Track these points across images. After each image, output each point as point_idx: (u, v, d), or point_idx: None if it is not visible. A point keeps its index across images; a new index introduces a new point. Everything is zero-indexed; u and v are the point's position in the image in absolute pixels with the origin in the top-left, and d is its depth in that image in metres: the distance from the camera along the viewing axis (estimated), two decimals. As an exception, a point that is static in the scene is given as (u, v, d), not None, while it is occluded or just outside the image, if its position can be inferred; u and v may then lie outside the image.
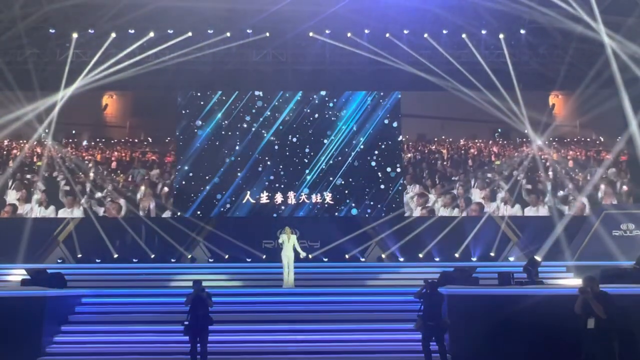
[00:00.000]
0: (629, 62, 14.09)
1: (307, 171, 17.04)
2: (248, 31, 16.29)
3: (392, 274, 13.88)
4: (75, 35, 16.04)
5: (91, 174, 16.94)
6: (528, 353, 8.57)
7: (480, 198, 16.98)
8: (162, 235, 15.99)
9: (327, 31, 16.30)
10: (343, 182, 17.00)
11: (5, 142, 17.01)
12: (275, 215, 16.77)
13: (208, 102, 17.40)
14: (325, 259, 15.71)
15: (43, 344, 9.45)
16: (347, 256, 15.73)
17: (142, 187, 16.93)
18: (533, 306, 8.76)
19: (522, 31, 16.30)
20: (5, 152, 17.09)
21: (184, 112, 17.38)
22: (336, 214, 16.84)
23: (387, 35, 16.44)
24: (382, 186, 17.03)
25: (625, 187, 16.99)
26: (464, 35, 16.41)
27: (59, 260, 15.54)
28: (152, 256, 15.79)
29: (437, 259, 15.71)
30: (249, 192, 16.91)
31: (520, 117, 16.49)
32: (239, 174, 16.97)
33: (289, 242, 12.86)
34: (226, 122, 17.28)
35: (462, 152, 17.60)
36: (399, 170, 17.18)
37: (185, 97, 17.47)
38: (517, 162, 17.11)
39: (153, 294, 11.53)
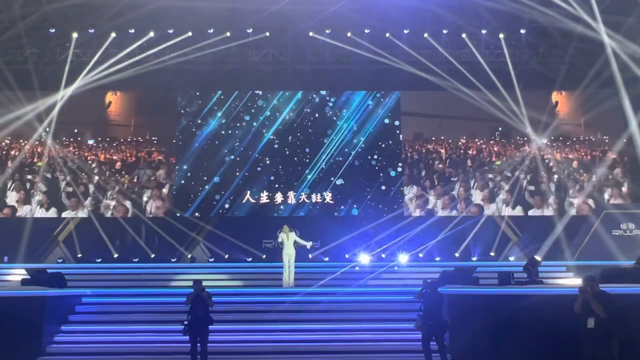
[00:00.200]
0: (629, 62, 14.07)
1: (307, 171, 17.03)
2: (248, 31, 16.28)
3: (393, 274, 13.86)
4: (75, 35, 16.03)
5: (94, 175, 16.74)
6: (528, 353, 8.58)
7: (479, 200, 16.88)
8: (162, 235, 15.98)
9: (327, 31, 16.29)
10: (343, 182, 16.99)
11: (4, 142, 16.86)
12: (275, 215, 16.77)
13: (208, 102, 17.39)
14: (326, 259, 15.70)
15: (43, 343, 9.47)
16: (347, 256, 15.72)
17: (149, 189, 16.70)
18: (533, 306, 8.75)
19: (522, 31, 16.29)
20: (4, 152, 17.02)
21: (183, 111, 17.37)
22: (335, 214, 16.84)
23: (387, 35, 16.44)
24: (383, 186, 17.02)
25: (624, 189, 16.92)
26: (464, 35, 16.41)
27: (59, 260, 15.53)
28: (152, 256, 15.79)
29: (437, 259, 15.71)
30: (249, 192, 16.91)
31: (521, 117, 16.47)
32: (238, 173, 16.97)
33: (288, 240, 12.86)
34: (226, 121, 17.28)
35: (462, 151, 17.50)
36: (399, 169, 17.18)
37: (185, 97, 17.46)
38: (518, 162, 17.01)
39: (153, 294, 11.54)
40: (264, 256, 15.89)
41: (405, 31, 16.36)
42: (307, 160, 17.10)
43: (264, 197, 16.90)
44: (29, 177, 16.76)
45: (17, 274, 12.83)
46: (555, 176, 16.93)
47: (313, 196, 16.91)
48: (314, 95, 17.53)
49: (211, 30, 16.21)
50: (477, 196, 16.97)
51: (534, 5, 14.26)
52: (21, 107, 15.94)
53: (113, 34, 16.05)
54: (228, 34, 16.24)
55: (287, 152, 17.16)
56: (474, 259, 15.85)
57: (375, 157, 17.19)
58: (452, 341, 9.00)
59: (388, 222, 16.41)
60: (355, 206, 16.88)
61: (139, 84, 16.72)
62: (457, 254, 15.97)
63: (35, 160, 17.01)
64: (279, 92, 17.50)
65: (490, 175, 17.15)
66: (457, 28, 16.28)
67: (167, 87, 17.20)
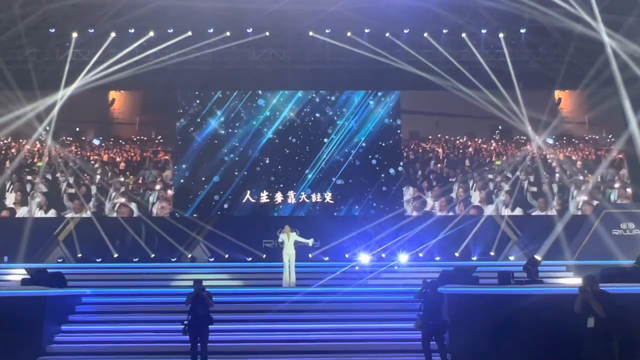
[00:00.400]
0: (629, 61, 14.07)
1: (307, 171, 17.03)
2: (248, 30, 16.28)
3: (393, 273, 13.86)
4: (75, 35, 16.02)
5: (97, 176, 16.46)
6: (528, 352, 8.58)
7: (478, 201, 16.67)
8: (162, 235, 15.98)
9: (327, 30, 16.29)
10: (343, 182, 16.99)
11: (2, 142, 16.70)
12: (275, 214, 16.77)
13: (208, 102, 17.39)
14: (326, 258, 15.71)
15: (43, 343, 9.47)
16: (346, 255, 15.71)
17: (156, 191, 16.49)
18: (533, 305, 8.75)
19: (522, 30, 16.29)
20: (2, 152, 16.89)
21: (183, 111, 17.37)
22: (335, 213, 16.83)
23: (387, 34, 16.44)
24: (383, 186, 17.02)
25: (629, 190, 16.74)
26: (464, 35, 16.40)
27: (59, 260, 15.53)
28: (152, 256, 15.79)
29: (437, 258, 15.71)
30: (248, 192, 16.91)
31: (521, 117, 16.45)
32: (238, 173, 16.97)
33: (289, 240, 12.86)
34: (226, 121, 17.27)
35: (460, 151, 17.31)
36: (400, 169, 17.16)
37: (185, 97, 17.45)
38: (519, 161, 16.85)
39: (154, 293, 11.55)
40: (264, 256, 15.89)
41: (405, 31, 16.35)
42: (307, 160, 17.09)
43: (264, 197, 16.90)
44: (29, 177, 16.62)
45: (17, 273, 12.82)
46: (558, 176, 16.71)
47: (313, 196, 16.91)
48: (314, 95, 17.53)
49: (211, 30, 16.20)
50: (476, 197, 16.80)
51: (534, 4, 14.25)
52: (21, 107, 15.92)
53: (113, 34, 16.04)
54: (228, 33, 16.24)
55: (287, 152, 17.16)
56: (474, 258, 15.85)
57: (376, 156, 17.18)
58: (452, 341, 9.00)
59: (388, 222, 16.41)
60: (355, 206, 16.87)
61: (139, 83, 16.72)
62: (457, 254, 15.97)
63: (35, 160, 16.89)
64: (279, 92, 17.50)
65: (490, 176, 16.98)
66: (457, 28, 16.27)
67: (167, 86, 17.19)
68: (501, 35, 16.28)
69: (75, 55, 16.35)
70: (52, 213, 16.47)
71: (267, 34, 16.32)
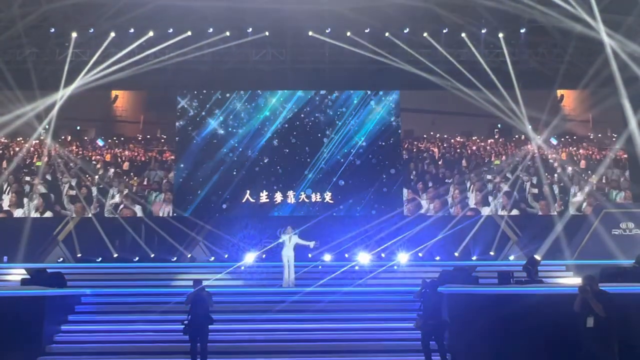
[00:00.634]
0: (629, 61, 14.07)
1: (306, 170, 17.03)
2: (247, 30, 16.27)
3: (392, 273, 13.86)
4: (74, 35, 16.00)
5: (99, 177, 16.22)
6: (527, 352, 8.58)
7: (474, 204, 16.46)
8: (162, 235, 15.97)
9: (326, 30, 16.29)
10: (343, 181, 16.99)
11: (0, 142, 16.60)
12: (275, 214, 16.77)
13: (207, 101, 17.39)
14: (326, 258, 15.66)
15: (43, 343, 9.47)
16: (346, 255, 15.71)
17: (162, 192, 16.22)
18: (533, 305, 8.75)
19: (522, 30, 16.28)
20: (0, 152, 16.78)
21: (183, 111, 17.36)
22: (334, 214, 16.82)
23: (387, 34, 16.44)
24: (383, 185, 17.01)
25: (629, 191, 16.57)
26: (463, 34, 16.40)
27: (59, 260, 15.53)
28: (152, 255, 15.79)
29: (437, 258, 15.70)
30: (248, 191, 16.91)
31: (520, 117, 16.43)
32: (238, 173, 16.96)
33: (290, 242, 12.87)
34: (225, 121, 17.26)
35: (458, 150, 17.15)
36: (400, 168, 17.15)
37: (185, 96, 17.45)
38: (519, 161, 16.70)
39: (154, 293, 11.53)
40: (264, 256, 15.88)
41: (405, 30, 16.35)
42: (307, 160, 17.09)
43: (263, 197, 16.90)
44: (27, 178, 16.44)
45: (17, 273, 12.82)
46: (559, 177, 16.45)
47: (313, 196, 16.91)
48: (314, 95, 17.53)
49: (211, 30, 16.20)
50: (473, 199, 16.53)
51: (533, 4, 14.26)
52: (21, 107, 15.90)
53: (112, 34, 16.03)
54: (227, 33, 16.23)
55: (287, 152, 17.16)
56: (474, 258, 15.85)
57: (375, 156, 17.18)
58: (452, 340, 9.01)
59: (388, 221, 16.41)
60: (355, 206, 16.86)
61: (139, 83, 16.70)
62: (456, 254, 15.97)
63: (34, 160, 16.76)
64: (279, 92, 17.49)
65: (489, 176, 16.79)
66: (456, 27, 16.27)
67: (166, 86, 17.18)
68: (501, 35, 16.28)
69: (74, 55, 16.33)
70: (48, 214, 16.38)
71: (267, 33, 16.31)
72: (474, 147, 17.13)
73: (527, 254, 14.68)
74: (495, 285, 10.38)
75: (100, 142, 16.73)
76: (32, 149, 16.81)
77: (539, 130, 16.78)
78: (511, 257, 15.91)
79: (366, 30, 16.33)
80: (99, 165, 16.62)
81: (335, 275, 12.82)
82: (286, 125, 17.28)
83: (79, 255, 15.86)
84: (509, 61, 16.35)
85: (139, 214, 16.42)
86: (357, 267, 13.97)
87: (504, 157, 17.06)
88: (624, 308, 7.58)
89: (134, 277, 13.66)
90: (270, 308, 10.74)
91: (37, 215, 16.31)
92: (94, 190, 16.47)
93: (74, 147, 16.88)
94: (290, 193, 16.90)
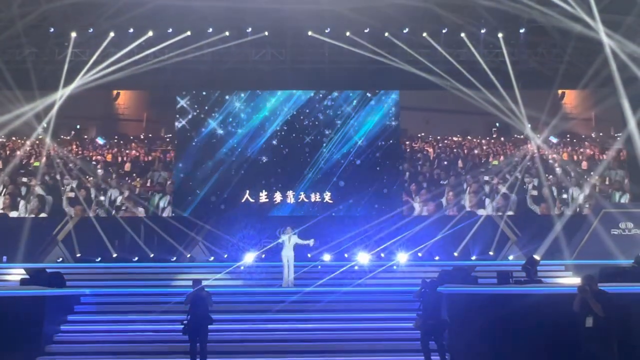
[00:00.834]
0: (628, 61, 14.07)
1: (306, 170, 17.03)
2: (247, 30, 16.27)
3: (392, 273, 13.86)
4: (74, 35, 16.00)
5: (99, 178, 16.00)
6: (527, 352, 8.59)
7: (469, 207, 16.32)
8: (161, 235, 15.96)
9: (326, 30, 16.29)
10: (342, 181, 16.99)
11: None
12: (274, 214, 16.76)
13: (207, 101, 17.38)
14: (325, 258, 15.65)
15: (43, 343, 9.47)
16: (346, 255, 15.70)
17: (166, 194, 15.92)
18: (532, 305, 8.76)
19: (521, 30, 16.29)
20: (-2, 152, 16.64)
21: (182, 110, 17.34)
22: (333, 214, 16.81)
23: (386, 34, 16.44)
24: (382, 185, 17.00)
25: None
26: (463, 34, 16.41)
27: (58, 260, 15.51)
28: (151, 255, 15.78)
29: (436, 258, 15.70)
30: (247, 191, 16.90)
31: (520, 117, 16.42)
32: (237, 173, 16.95)
33: (289, 243, 12.87)
34: (225, 121, 17.26)
35: (454, 150, 16.95)
36: (400, 168, 17.14)
37: (184, 96, 17.43)
38: (518, 161, 16.57)
39: (153, 293, 11.52)
40: (263, 256, 15.87)
41: (405, 30, 16.35)
42: (306, 160, 17.09)
43: (263, 197, 16.90)
44: (24, 179, 16.24)
45: (17, 273, 12.82)
46: (559, 178, 16.23)
47: (312, 195, 16.91)
48: (313, 95, 17.52)
49: (210, 30, 16.20)
50: (468, 201, 16.30)
51: (533, 4, 14.27)
52: (20, 107, 15.87)
53: (112, 34, 16.03)
54: (227, 33, 16.24)
55: (286, 152, 17.16)
56: (473, 258, 15.85)
57: (375, 155, 17.17)
58: (451, 340, 9.01)
59: (387, 221, 16.40)
60: (355, 206, 16.85)
61: (138, 83, 16.68)
62: (456, 253, 15.96)
63: (31, 160, 16.62)
64: (278, 92, 17.49)
65: (486, 178, 16.65)
66: (456, 27, 16.28)
67: (166, 86, 17.17)
68: (500, 35, 16.29)
69: (74, 55, 16.32)
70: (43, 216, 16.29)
71: (267, 33, 16.32)
72: (471, 147, 16.88)
73: (526, 253, 14.69)
74: (494, 285, 10.39)
75: (100, 141, 16.50)
76: (28, 148, 16.65)
77: (539, 130, 16.74)
78: (510, 257, 15.90)
79: (366, 30, 16.34)
80: (99, 166, 16.50)
81: (335, 275, 12.83)
82: (285, 126, 17.28)
83: (78, 255, 15.84)
84: (509, 61, 16.36)
85: (141, 216, 16.34)
86: (356, 267, 13.97)
87: (502, 158, 17.00)
88: (623, 308, 7.59)
89: (133, 277, 13.67)
90: (269, 308, 10.73)
91: (33, 216, 16.22)
92: (94, 192, 16.29)
93: (73, 147, 16.77)
94: (290, 193, 16.90)
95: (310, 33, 16.30)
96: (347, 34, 16.34)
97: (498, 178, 16.59)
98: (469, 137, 17.07)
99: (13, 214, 16.22)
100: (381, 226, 16.29)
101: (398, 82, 17.26)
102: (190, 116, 17.29)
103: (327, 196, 16.91)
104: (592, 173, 16.45)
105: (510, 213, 16.49)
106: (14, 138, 16.52)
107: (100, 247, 15.77)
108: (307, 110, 17.41)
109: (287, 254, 12.79)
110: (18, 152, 16.26)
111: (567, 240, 14.78)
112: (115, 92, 17.15)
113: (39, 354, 9.32)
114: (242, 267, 13.71)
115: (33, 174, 16.45)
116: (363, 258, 14.24)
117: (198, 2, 15.00)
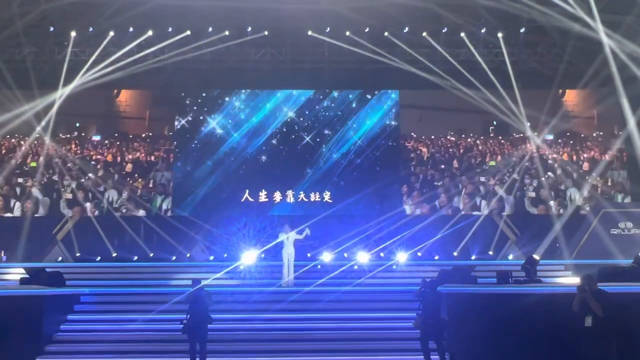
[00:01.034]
0: (628, 61, 14.08)
1: (305, 170, 17.02)
2: (247, 29, 16.27)
3: (391, 272, 13.86)
4: (73, 34, 15.99)
5: (99, 179, 15.80)
6: (526, 351, 8.58)
7: (463, 210, 16.07)
8: (161, 234, 15.96)
9: (326, 30, 16.29)
10: (342, 181, 16.99)
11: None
12: (274, 213, 16.77)
13: (207, 100, 17.37)
14: (325, 258, 15.65)
15: (42, 342, 9.47)
16: (345, 254, 15.70)
17: (169, 195, 15.79)
18: (531, 305, 8.76)
19: (521, 30, 16.29)
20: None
21: (182, 110, 17.33)
22: (333, 212, 16.81)
23: (386, 34, 16.44)
24: (382, 185, 16.99)
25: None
26: (462, 34, 16.41)
27: (58, 259, 15.51)
28: (151, 254, 15.78)
29: (436, 258, 15.71)
30: (247, 191, 16.90)
31: (519, 116, 16.41)
32: (237, 172, 16.95)
33: (289, 240, 12.87)
34: (225, 120, 17.25)
35: (450, 150, 16.84)
36: (400, 168, 17.14)
37: (184, 96, 17.42)
38: (516, 162, 16.52)
39: (153, 293, 11.51)
40: (263, 255, 15.87)
41: (404, 30, 16.35)
42: (306, 159, 17.09)
43: (262, 196, 16.90)
44: (20, 180, 16.07)
45: (16, 273, 12.81)
46: (559, 179, 16.10)
47: (312, 195, 16.91)
48: (313, 94, 17.52)
49: (210, 29, 16.20)
50: (462, 204, 16.10)
51: (532, 4, 14.28)
52: (20, 106, 15.85)
53: (112, 33, 16.03)
54: (227, 32, 16.24)
55: (286, 151, 17.16)
56: (473, 257, 15.87)
57: (374, 155, 17.16)
58: (451, 340, 9.01)
59: (387, 221, 16.40)
60: (355, 205, 16.85)
61: (138, 82, 16.68)
62: (455, 253, 15.98)
63: (28, 161, 16.50)
64: (278, 91, 17.48)
65: (483, 179, 16.50)
66: (456, 27, 16.28)
67: (165, 85, 17.17)
68: (500, 34, 16.30)
69: (73, 54, 16.33)
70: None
71: (266, 33, 16.32)
72: (467, 147, 16.59)
73: (525, 253, 14.70)
74: (494, 285, 10.38)
75: (96, 137, 16.11)
76: (24, 148, 16.56)
77: (539, 129, 16.70)
78: (510, 257, 15.92)
79: (365, 30, 16.35)
80: (99, 166, 16.41)
81: (335, 275, 12.83)
82: (285, 125, 17.28)
83: (77, 254, 15.85)
84: (508, 61, 16.38)
85: (143, 217, 16.32)
86: (356, 267, 13.97)
87: (499, 158, 16.91)
88: (623, 307, 7.58)
89: (133, 276, 13.65)
90: (269, 307, 10.73)
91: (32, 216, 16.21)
92: (92, 194, 16.18)
93: (72, 146, 16.70)
94: (289, 192, 16.90)
95: (310, 33, 16.31)
96: (347, 33, 16.35)
97: (495, 179, 16.40)
98: (463, 136, 16.85)
99: (7, 216, 16.08)
100: (381, 226, 16.30)
101: (398, 82, 17.27)
102: (189, 115, 17.27)
103: (327, 195, 16.92)
104: (593, 174, 16.31)
105: (507, 213, 16.46)
106: (8, 136, 16.38)
107: (99, 247, 15.78)
108: (307, 110, 17.41)
109: (288, 252, 12.81)
110: (14, 153, 16.12)
111: (567, 239, 14.78)
112: (115, 90, 17.09)
113: (38, 354, 9.32)
114: (241, 267, 13.71)
115: (29, 174, 16.30)
116: (363, 257, 14.25)
117: (198, 2, 15.00)
